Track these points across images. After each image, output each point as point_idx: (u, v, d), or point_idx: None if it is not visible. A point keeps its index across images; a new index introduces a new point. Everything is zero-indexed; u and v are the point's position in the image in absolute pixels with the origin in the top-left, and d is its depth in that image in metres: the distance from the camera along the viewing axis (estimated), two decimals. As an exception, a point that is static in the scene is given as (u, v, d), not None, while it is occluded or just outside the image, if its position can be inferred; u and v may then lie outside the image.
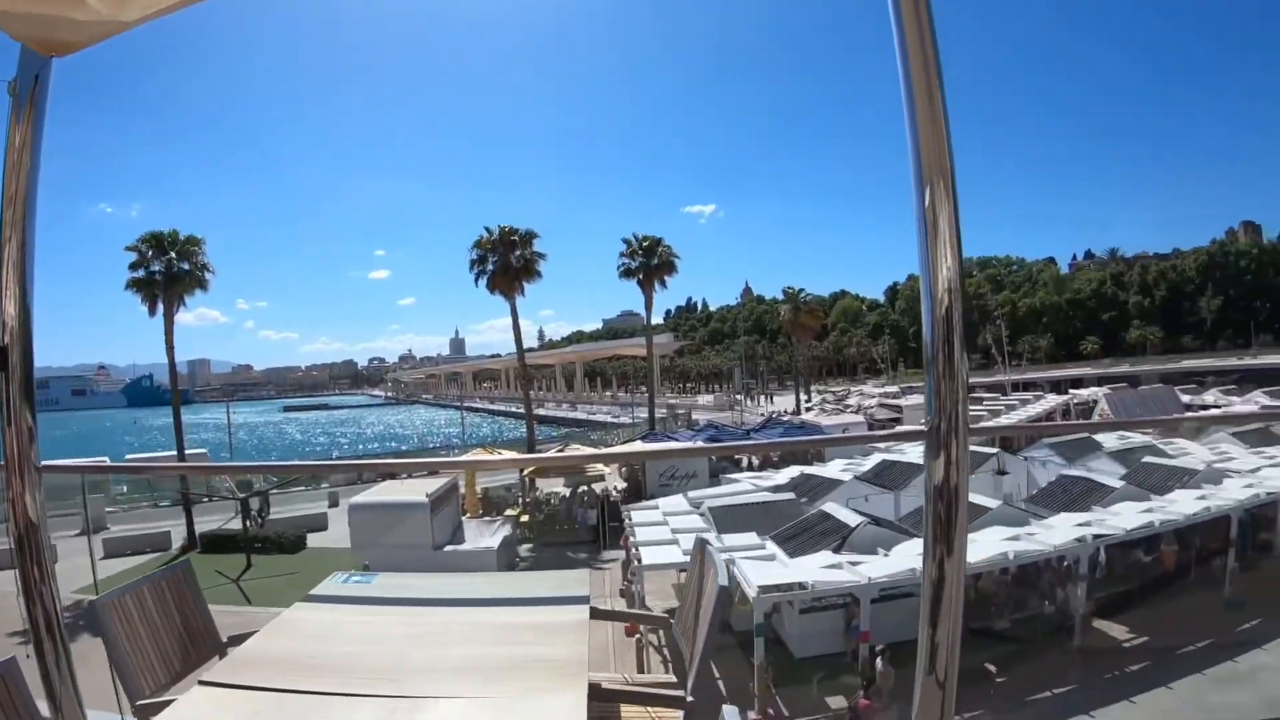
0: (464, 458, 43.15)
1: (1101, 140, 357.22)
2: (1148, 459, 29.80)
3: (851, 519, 22.19)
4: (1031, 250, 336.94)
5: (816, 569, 18.07)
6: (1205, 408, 59.47)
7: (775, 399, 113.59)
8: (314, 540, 35.50)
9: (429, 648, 3.51)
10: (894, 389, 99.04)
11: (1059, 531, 20.57)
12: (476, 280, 59.51)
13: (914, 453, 32.71)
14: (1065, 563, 20.50)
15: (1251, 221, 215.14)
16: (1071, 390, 78.12)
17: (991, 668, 19.05)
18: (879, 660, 17.01)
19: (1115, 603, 22.20)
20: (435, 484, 28.46)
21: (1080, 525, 20.98)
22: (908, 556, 18.67)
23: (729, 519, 23.94)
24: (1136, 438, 36.35)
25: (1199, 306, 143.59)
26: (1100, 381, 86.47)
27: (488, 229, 59.18)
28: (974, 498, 24.12)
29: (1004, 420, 59.37)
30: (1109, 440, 35.39)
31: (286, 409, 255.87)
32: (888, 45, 2.28)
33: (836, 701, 17.42)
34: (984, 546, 19.31)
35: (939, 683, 2.40)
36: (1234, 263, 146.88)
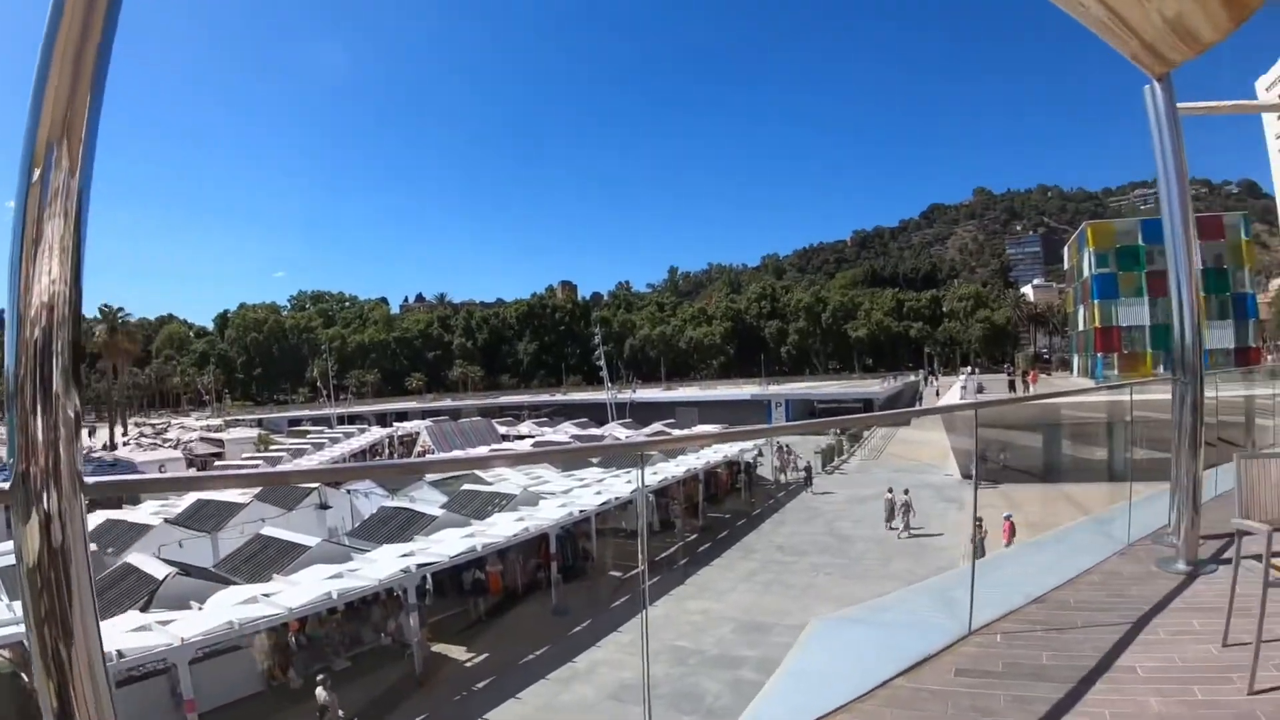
0: None
1: (435, 197, 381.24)
2: (467, 486, 31.32)
3: (159, 569, 20.10)
4: (365, 289, 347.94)
5: (121, 635, 15.52)
6: (520, 437, 64.71)
7: (97, 432, 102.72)
8: None
9: None
10: (218, 422, 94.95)
11: (383, 564, 20.54)
12: None
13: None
14: (394, 593, 20.63)
15: (569, 281, 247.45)
16: (396, 423, 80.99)
17: (341, 713, 18.58)
18: (320, 689, 16.27)
19: (450, 625, 22.90)
20: None
21: (404, 555, 21.17)
22: (226, 607, 17.35)
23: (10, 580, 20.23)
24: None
25: (517, 349, 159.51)
26: (424, 415, 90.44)
27: None
28: (293, 536, 23.39)
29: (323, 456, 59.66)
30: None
31: None
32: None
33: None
34: (306, 589, 18.58)
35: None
36: (551, 314, 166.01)
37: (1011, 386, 56.71)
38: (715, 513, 38.31)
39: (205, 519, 28.81)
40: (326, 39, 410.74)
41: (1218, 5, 4.39)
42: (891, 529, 33.57)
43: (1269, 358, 67.05)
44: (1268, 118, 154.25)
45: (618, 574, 28.71)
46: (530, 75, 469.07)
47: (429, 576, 21.93)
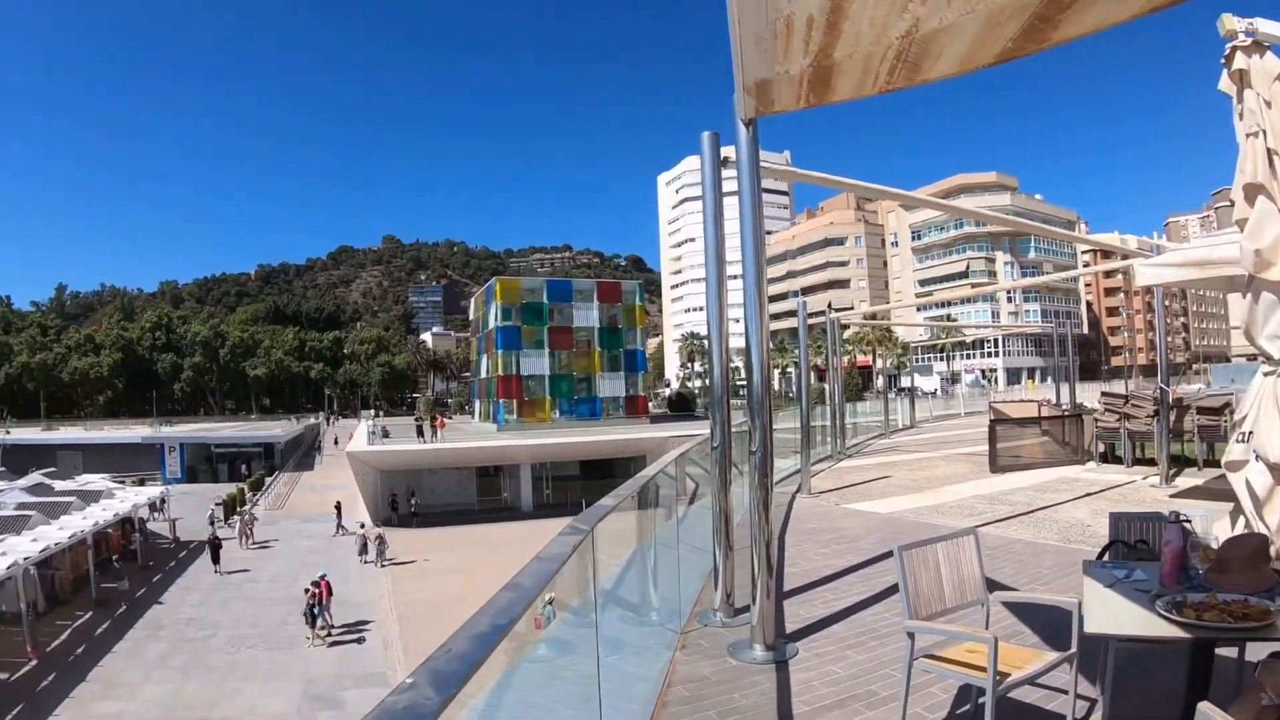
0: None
1: None
2: None
3: None
4: None
5: None
6: None
7: None
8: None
9: None
10: None
11: None
12: None
13: None
14: None
15: None
16: None
17: None
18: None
19: None
20: None
21: None
22: None
23: None
24: None
25: None
26: None
27: None
28: None
29: None
30: None
31: None
32: None
33: None
34: None
35: None
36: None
37: (420, 432, 57.27)
38: (110, 582, 33.54)
39: None
40: None
41: (1014, 32, 3.73)
42: (366, 562, 37.49)
43: (650, 405, 75.01)
44: (663, 208, 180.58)
45: (1, 676, 23.72)
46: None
47: None
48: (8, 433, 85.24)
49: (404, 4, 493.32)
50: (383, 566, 36.98)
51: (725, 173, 6.63)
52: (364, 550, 38.44)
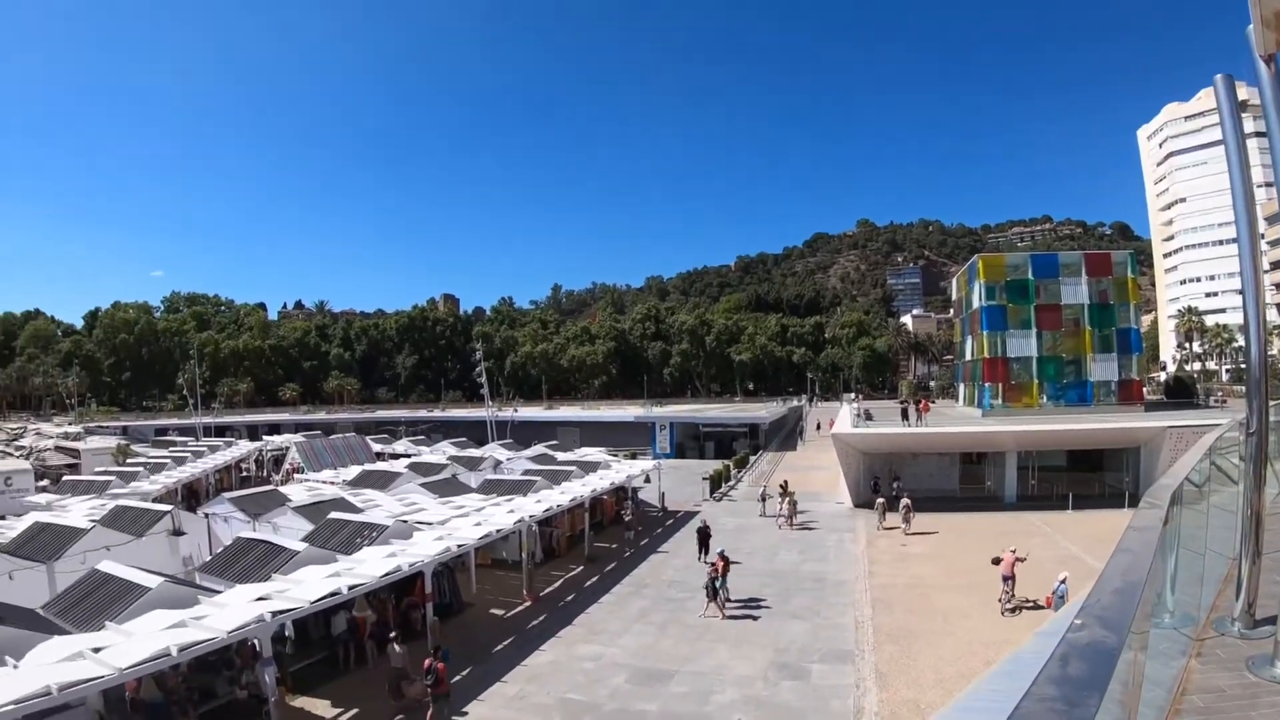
0: None
1: (322, 202, 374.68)
2: (335, 514, 28.14)
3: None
4: (245, 293, 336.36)
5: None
6: (396, 456, 61.70)
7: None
8: None
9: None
10: (76, 429, 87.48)
11: (234, 611, 16.97)
12: None
13: (78, 511, 28.66)
14: (248, 643, 17.78)
15: (451, 294, 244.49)
16: (267, 436, 76.46)
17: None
18: None
19: (313, 676, 20.73)
20: None
21: (259, 600, 17.89)
22: (46, 665, 14.00)
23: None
24: (327, 490, 35.23)
25: (396, 363, 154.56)
26: (297, 428, 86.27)
27: None
28: (131, 574, 19.97)
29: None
30: (298, 493, 33.87)
31: None
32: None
33: None
34: (141, 642, 14.96)
35: None
36: (431, 327, 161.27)
37: (905, 415, 55.88)
38: (600, 542, 36.75)
39: (41, 547, 25.64)
40: (211, 34, 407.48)
41: None
42: (887, 529, 38.98)
43: (1145, 390, 68.21)
44: (1146, 166, 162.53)
45: (499, 612, 26.56)
46: (417, 85, 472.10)
47: (289, 623, 19.26)
48: (515, 411, 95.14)
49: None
50: (910, 535, 37.61)
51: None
52: (883, 516, 39.59)
